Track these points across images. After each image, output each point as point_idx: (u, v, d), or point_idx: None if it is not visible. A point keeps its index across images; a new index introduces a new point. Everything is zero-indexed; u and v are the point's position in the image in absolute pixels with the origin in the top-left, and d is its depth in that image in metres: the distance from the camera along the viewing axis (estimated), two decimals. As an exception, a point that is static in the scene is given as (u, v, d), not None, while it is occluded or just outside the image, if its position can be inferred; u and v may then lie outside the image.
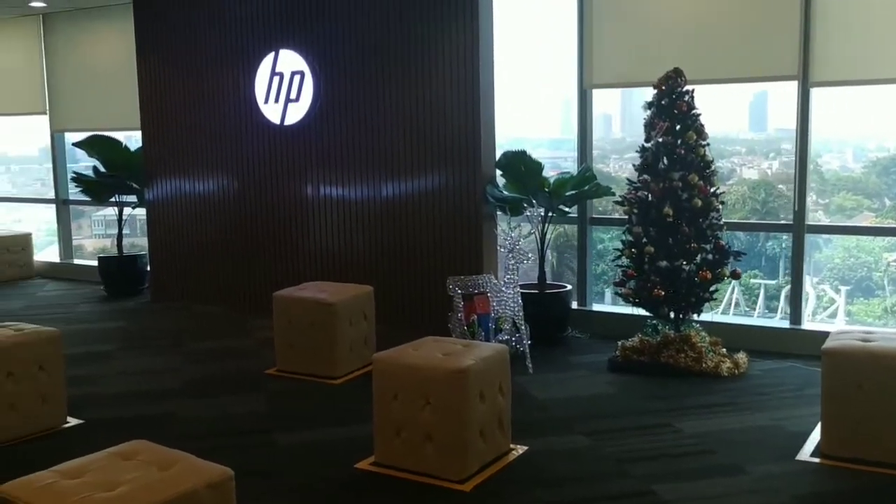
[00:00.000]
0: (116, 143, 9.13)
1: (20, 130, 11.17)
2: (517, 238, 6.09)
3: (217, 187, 8.32)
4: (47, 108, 10.22)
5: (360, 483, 4.24)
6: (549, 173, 6.82)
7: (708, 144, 5.94)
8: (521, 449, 4.56)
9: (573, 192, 6.63)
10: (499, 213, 7.04)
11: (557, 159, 7.84)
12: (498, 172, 6.96)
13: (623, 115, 7.59)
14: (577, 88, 6.98)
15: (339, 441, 4.79)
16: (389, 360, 4.36)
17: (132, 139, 9.19)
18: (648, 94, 6.04)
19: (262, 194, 8.02)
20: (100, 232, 11.55)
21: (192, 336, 7.33)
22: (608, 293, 7.51)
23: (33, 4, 9.24)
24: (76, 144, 9.26)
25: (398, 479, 4.23)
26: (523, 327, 6.08)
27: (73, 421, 5.13)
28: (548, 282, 6.88)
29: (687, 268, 5.87)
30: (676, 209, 5.85)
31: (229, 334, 7.37)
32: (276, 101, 7.73)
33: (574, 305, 7.08)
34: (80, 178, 9.21)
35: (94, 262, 9.65)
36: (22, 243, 10.38)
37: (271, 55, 7.70)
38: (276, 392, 5.72)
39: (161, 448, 3.15)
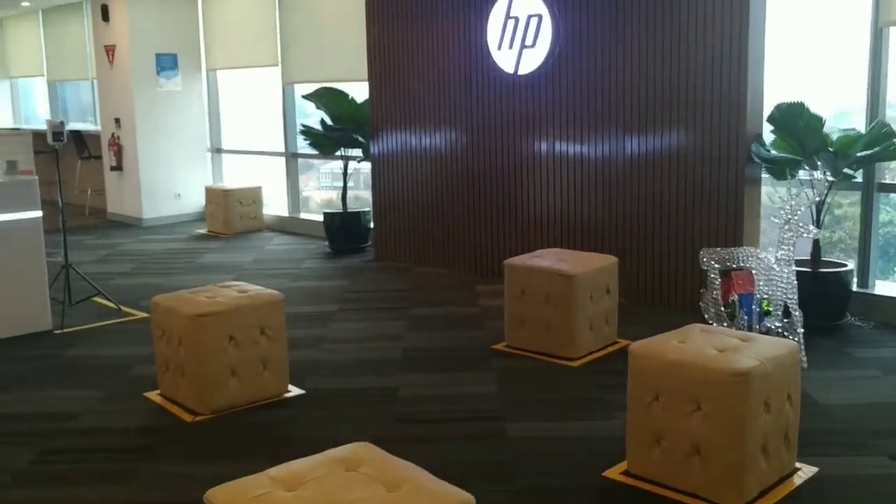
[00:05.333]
0: (343, 94, 8.88)
1: (253, 83, 11.27)
2: (797, 207, 5.08)
3: (444, 141, 7.83)
4: (279, 60, 10.18)
5: (610, 496, 3.56)
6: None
7: None
8: (808, 470, 3.70)
9: (865, 152, 5.49)
10: (763, 176, 6.04)
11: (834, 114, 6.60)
12: (767, 128, 5.93)
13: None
14: (870, 27, 5.79)
15: (582, 439, 4.13)
16: (650, 353, 3.60)
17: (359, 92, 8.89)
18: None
19: (493, 150, 7.43)
20: (326, 184, 11.50)
21: (415, 300, 6.91)
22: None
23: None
24: (305, 97, 9.12)
25: (657, 496, 3.51)
26: (796, 313, 5.10)
27: (294, 390, 4.82)
28: (822, 258, 5.82)
29: None
30: None
31: (454, 300, 6.89)
32: (511, 47, 7.06)
33: (853, 287, 5.97)
34: (307, 132, 9.09)
35: (320, 217, 9.55)
36: (253, 196, 10.49)
37: (506, -4, 7.04)
38: (506, 371, 5.13)
39: (388, 458, 2.60)
